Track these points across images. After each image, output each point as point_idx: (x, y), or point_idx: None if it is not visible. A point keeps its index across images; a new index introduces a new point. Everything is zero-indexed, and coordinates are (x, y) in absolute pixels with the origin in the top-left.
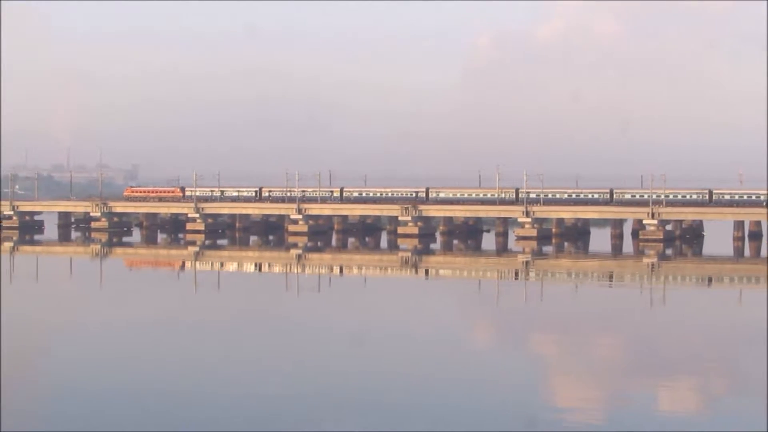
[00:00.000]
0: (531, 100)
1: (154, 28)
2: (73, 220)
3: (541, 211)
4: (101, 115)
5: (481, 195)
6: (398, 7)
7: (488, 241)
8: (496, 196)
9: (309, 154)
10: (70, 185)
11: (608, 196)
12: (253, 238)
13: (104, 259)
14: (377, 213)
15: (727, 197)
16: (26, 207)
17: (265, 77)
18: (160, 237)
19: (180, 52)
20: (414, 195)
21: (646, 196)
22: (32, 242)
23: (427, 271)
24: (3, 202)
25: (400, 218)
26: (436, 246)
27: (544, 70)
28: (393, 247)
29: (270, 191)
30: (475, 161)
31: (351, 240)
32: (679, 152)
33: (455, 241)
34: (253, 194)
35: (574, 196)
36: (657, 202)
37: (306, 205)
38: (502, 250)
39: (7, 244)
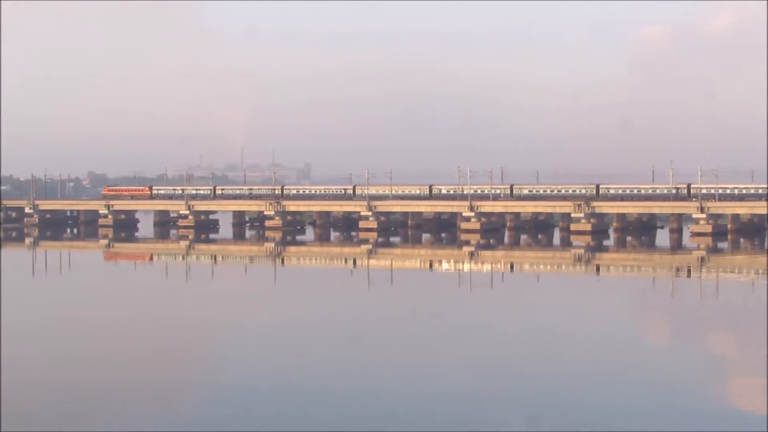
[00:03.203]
0: (701, 94)
1: (317, 27)
2: (247, 218)
3: (715, 207)
4: (274, 115)
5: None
6: (561, 2)
7: (662, 237)
8: (669, 191)
9: (477, 152)
10: (243, 184)
11: None
12: (425, 236)
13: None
14: (549, 210)
15: None
16: (201, 206)
17: (431, 75)
18: (333, 235)
19: (346, 52)
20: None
21: None
22: (208, 241)
23: (598, 268)
24: (178, 202)
25: (572, 215)
26: (609, 243)
27: (714, 63)
28: (566, 244)
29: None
30: (647, 156)
31: (523, 237)
32: None
33: (629, 238)
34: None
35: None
36: None
37: (478, 203)
38: (677, 246)
39: (183, 243)
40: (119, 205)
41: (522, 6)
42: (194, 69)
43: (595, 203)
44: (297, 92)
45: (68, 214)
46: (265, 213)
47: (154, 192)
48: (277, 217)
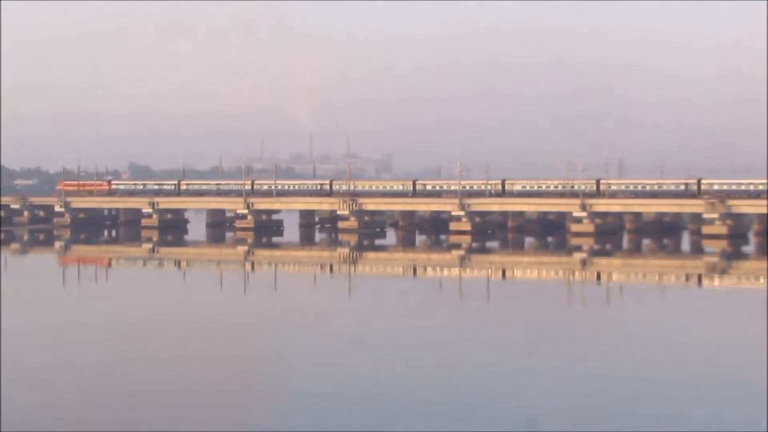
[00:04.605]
0: None
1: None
2: (317, 219)
3: None
4: (350, 97)
5: None
6: None
7: None
8: None
9: (592, 143)
10: (312, 178)
11: None
12: (528, 240)
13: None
14: (676, 209)
15: None
16: (263, 204)
17: (537, 60)
18: (419, 239)
19: (427, 43)
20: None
21: None
22: (270, 245)
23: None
24: (236, 200)
25: (704, 215)
26: (749, 248)
27: None
28: (696, 249)
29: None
30: None
31: (645, 241)
32: None
33: None
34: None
35: None
36: None
37: (590, 201)
38: None
39: (241, 248)
40: (163, 203)
41: None
42: (255, 42)
43: (731, 202)
44: (377, 69)
45: (106, 213)
46: (339, 213)
47: (113, 187)
48: (352, 218)
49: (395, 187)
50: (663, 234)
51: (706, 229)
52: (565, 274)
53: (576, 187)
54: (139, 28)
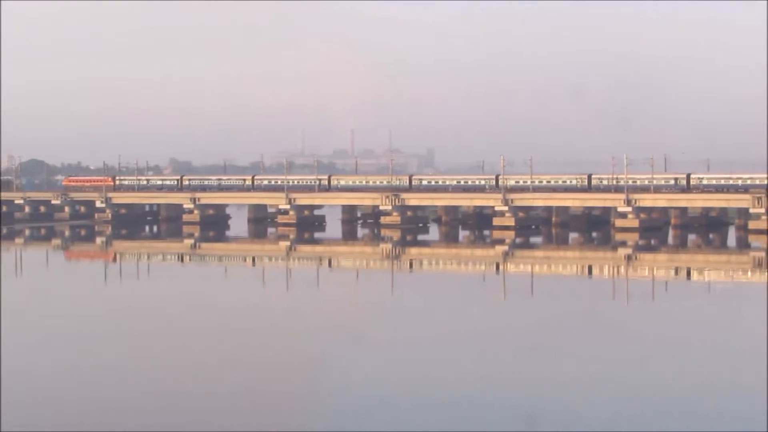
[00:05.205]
0: None
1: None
2: (359, 214)
3: None
4: (392, 93)
5: None
6: None
7: None
8: None
9: (637, 138)
10: (354, 173)
11: None
12: (572, 236)
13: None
14: (723, 204)
15: None
16: (305, 200)
17: (585, 49)
18: (462, 234)
19: (476, 33)
20: None
21: None
22: (312, 241)
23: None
24: (278, 195)
25: (751, 210)
26: None
27: None
28: (743, 245)
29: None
30: None
31: (691, 237)
32: None
33: None
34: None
35: None
36: None
37: (636, 196)
38: None
39: (283, 244)
40: (205, 198)
41: None
42: (299, 40)
43: None
44: (420, 67)
45: (147, 208)
46: (381, 208)
47: (117, 183)
48: (395, 213)
49: (385, 182)
50: (709, 229)
51: (753, 224)
52: (612, 271)
53: (569, 183)
54: (181, 25)
